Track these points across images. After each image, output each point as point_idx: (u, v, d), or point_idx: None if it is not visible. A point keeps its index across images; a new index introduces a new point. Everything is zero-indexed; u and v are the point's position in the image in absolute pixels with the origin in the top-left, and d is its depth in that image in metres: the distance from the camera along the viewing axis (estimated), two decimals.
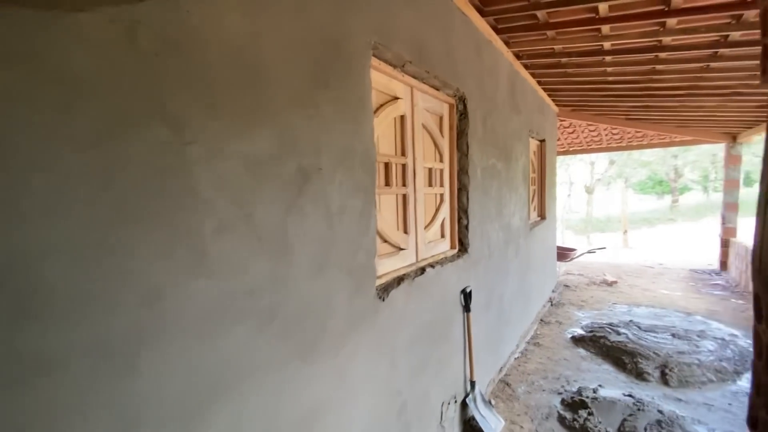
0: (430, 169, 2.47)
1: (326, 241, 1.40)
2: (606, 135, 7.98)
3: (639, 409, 2.69)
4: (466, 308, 2.64)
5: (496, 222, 3.33)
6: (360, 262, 1.59)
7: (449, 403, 2.45)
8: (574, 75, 4.31)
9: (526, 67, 4.12)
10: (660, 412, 2.66)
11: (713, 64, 3.43)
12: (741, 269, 6.47)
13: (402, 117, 2.13)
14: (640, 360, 3.45)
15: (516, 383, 3.30)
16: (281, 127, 1.19)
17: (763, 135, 6.46)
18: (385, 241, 2.00)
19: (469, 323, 2.65)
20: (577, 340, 4.14)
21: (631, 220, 19.40)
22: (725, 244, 7.34)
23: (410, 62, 1.95)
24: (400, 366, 1.91)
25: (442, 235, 2.65)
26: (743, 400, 2.95)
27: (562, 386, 3.22)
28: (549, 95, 5.47)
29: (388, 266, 1.97)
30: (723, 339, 3.86)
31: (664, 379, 3.26)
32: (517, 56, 3.80)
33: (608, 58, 3.58)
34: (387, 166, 2.01)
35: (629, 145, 8.30)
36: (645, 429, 2.51)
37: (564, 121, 7.30)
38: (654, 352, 3.51)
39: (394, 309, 1.85)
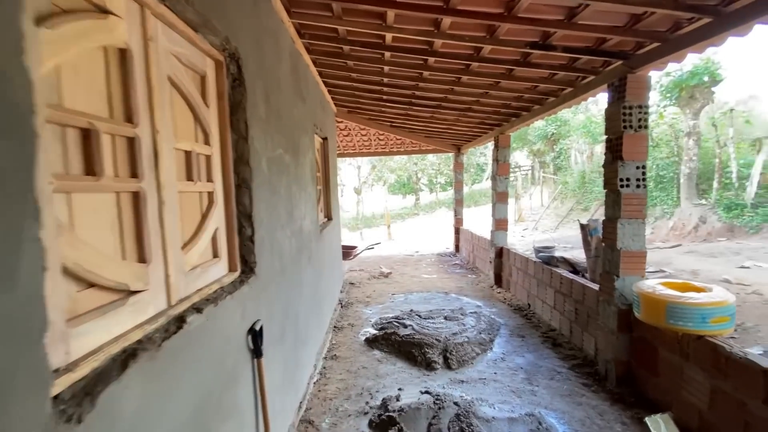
0: (188, 154, 1.57)
1: None
2: (375, 140, 8.72)
3: (439, 408, 2.68)
4: (257, 353, 1.89)
5: (287, 228, 2.69)
6: None
7: None
8: (354, 70, 4.19)
9: (308, 51, 3.67)
10: (456, 404, 2.73)
11: (463, 78, 3.95)
12: (469, 250, 8.33)
13: (123, 52, 1.17)
14: (427, 350, 3.61)
15: (319, 417, 2.79)
16: None
17: (476, 147, 8.52)
18: (93, 284, 1.01)
19: (262, 372, 1.91)
20: (371, 341, 4.04)
21: (390, 216, 22.94)
22: (457, 232, 9.35)
23: None
24: None
25: (216, 254, 1.79)
26: (501, 366, 3.47)
27: (367, 402, 2.94)
28: (329, 92, 5.28)
29: (100, 335, 1.00)
30: (476, 312, 4.61)
31: (448, 364, 3.50)
32: (300, 34, 3.28)
33: (387, 55, 3.56)
34: (87, 135, 1.03)
35: (391, 151, 9.40)
36: (448, 428, 2.48)
37: (340, 123, 7.43)
38: (436, 339, 3.75)
39: (115, 421, 0.92)
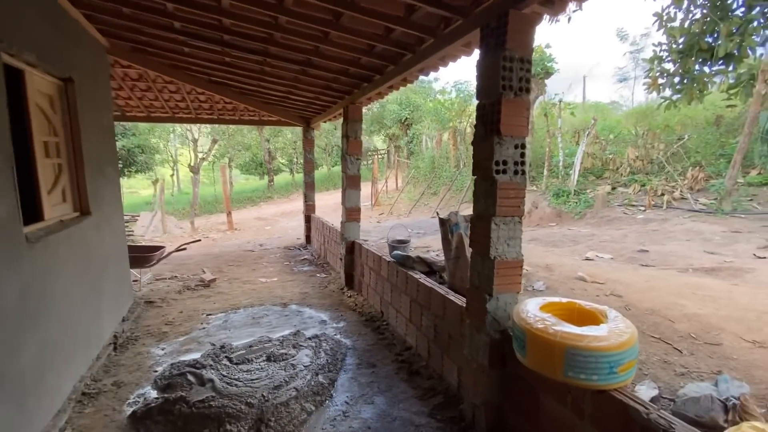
0: None
1: None
2: (193, 102, 6.59)
3: None
4: None
5: None
6: None
7: None
8: None
9: None
10: None
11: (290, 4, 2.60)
12: (320, 242, 7.19)
13: None
14: (230, 427, 2.26)
15: None
16: None
17: (328, 122, 7.35)
18: None
19: None
20: (141, 419, 2.46)
21: (238, 199, 20.15)
22: (308, 220, 8.10)
23: None
24: None
25: None
26: (343, 429, 2.39)
27: None
28: (80, 8, 3.20)
29: None
30: (317, 337, 3.47)
31: None
32: None
33: None
34: None
35: (221, 119, 7.40)
36: None
37: (130, 68, 5.15)
38: (246, 403, 2.44)
39: None
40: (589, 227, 6.64)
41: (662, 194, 7.15)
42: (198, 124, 18.63)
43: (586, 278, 3.33)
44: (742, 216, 5.96)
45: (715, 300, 2.64)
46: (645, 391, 1.86)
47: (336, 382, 2.90)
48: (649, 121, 10.01)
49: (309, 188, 8.11)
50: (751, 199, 6.49)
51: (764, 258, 4.08)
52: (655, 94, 6.09)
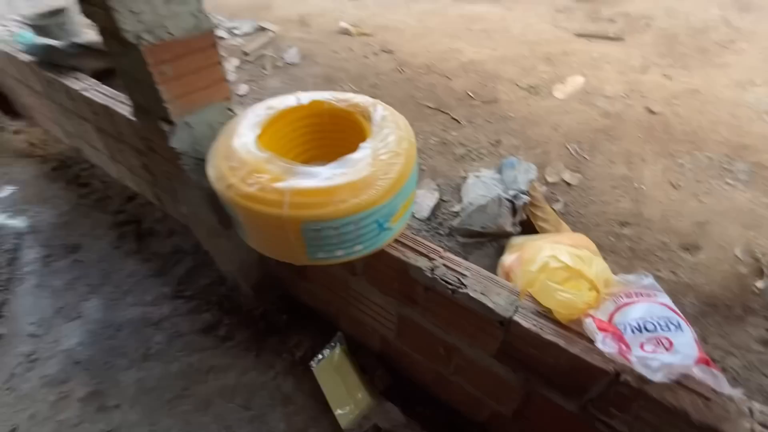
0: None
1: None
2: None
3: None
4: None
5: None
6: None
7: None
8: None
9: None
10: None
11: None
12: None
13: None
14: None
15: None
16: None
17: None
18: None
19: None
20: None
21: None
22: None
23: None
24: None
25: None
26: (27, 388, 1.46)
27: None
28: None
29: None
30: None
31: None
32: None
33: None
34: None
35: None
36: None
37: None
38: None
39: None
40: None
41: None
42: None
43: (351, 30, 2.40)
44: None
45: (490, 35, 2.18)
46: (423, 197, 1.40)
47: (5, 307, 1.73)
48: None
49: None
50: None
51: None
52: None
